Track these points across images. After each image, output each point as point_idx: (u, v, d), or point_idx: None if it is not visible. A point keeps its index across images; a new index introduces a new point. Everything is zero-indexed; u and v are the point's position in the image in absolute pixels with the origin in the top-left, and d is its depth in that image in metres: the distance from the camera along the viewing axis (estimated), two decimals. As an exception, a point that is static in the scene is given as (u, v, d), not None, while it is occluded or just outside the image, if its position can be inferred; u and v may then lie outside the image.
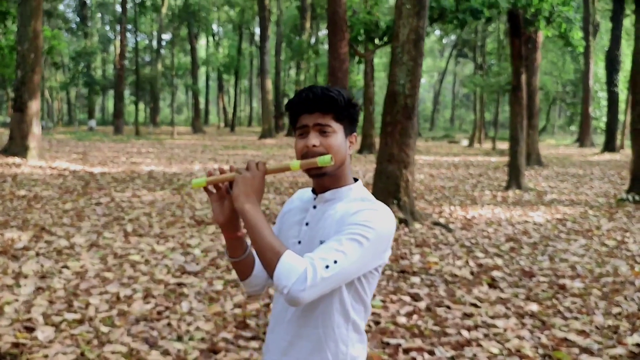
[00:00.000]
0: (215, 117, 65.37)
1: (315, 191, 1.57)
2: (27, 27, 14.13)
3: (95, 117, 43.82)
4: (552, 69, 35.81)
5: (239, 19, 43.05)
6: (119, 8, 40.55)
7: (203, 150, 22.12)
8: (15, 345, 3.49)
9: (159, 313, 4.14)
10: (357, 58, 15.09)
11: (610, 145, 25.72)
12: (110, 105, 61.68)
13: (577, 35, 12.01)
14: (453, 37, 47.07)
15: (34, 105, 14.39)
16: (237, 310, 4.22)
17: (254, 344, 3.66)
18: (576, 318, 4.26)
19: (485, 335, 3.88)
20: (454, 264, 5.78)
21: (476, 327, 4.04)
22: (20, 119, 14.19)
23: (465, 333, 3.89)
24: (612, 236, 7.35)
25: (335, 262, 1.33)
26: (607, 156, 23.77)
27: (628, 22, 31.18)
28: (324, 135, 1.47)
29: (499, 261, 5.93)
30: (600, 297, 4.78)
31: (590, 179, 14.65)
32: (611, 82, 26.40)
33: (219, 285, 4.80)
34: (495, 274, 5.42)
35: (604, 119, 33.76)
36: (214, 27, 49.93)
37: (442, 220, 8.06)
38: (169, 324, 3.92)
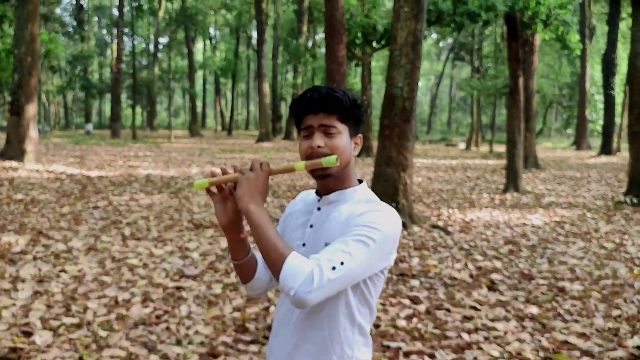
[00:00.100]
0: (212, 121, 65.34)
1: (319, 193, 1.56)
2: (24, 31, 14.10)
3: (92, 121, 43.76)
4: (549, 72, 35.93)
5: (236, 23, 43.10)
6: (115, 12, 40.51)
7: (200, 153, 22.08)
8: (13, 350, 3.46)
9: (158, 317, 4.11)
10: (354, 61, 15.10)
11: (607, 148, 25.79)
12: (107, 109, 61.56)
13: (574, 38, 12.05)
14: (450, 40, 47.19)
15: (31, 109, 14.35)
16: (236, 314, 4.20)
17: (254, 347, 3.64)
18: (576, 321, 4.25)
19: (486, 338, 3.87)
20: (453, 266, 5.77)
21: (476, 330, 4.03)
22: (17, 123, 14.15)
23: (465, 336, 3.88)
24: (611, 239, 7.35)
25: (342, 263, 1.31)
26: (604, 159, 23.83)
27: (624, 26, 31.31)
28: (329, 136, 1.46)
29: (498, 264, 5.92)
30: (600, 300, 4.78)
31: (588, 181, 14.67)
32: (608, 85, 26.49)
33: (217, 289, 4.77)
34: (495, 276, 5.41)
35: (601, 121, 33.86)
36: (211, 30, 50.02)
37: (440, 223, 8.06)
38: (167, 328, 3.90)
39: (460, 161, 21.38)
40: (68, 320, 3.94)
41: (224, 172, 1.46)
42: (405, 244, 6.68)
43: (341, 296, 1.44)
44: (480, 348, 3.70)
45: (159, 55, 44.34)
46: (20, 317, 4.00)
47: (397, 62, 7.49)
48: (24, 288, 4.60)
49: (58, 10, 44.77)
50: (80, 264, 5.40)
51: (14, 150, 14.10)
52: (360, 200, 1.50)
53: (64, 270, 5.19)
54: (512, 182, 11.77)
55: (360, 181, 1.57)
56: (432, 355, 3.57)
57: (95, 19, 53.17)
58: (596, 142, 35.29)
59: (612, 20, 25.91)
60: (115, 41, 36.35)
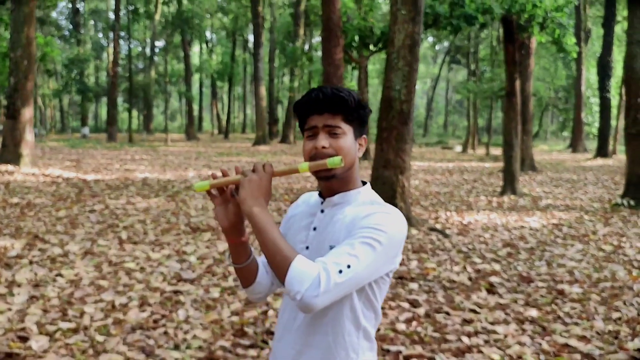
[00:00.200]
0: (208, 124, 65.27)
1: (323, 195, 1.53)
2: (20, 34, 14.06)
3: (89, 125, 43.66)
4: (545, 75, 36.01)
5: (232, 26, 43.11)
6: (112, 15, 40.52)
7: (197, 157, 22.04)
8: (9, 355, 3.42)
9: (155, 321, 4.08)
10: (351, 64, 15.10)
11: (603, 151, 25.85)
12: (103, 112, 61.47)
13: (570, 41, 12.07)
14: (446, 43, 47.32)
15: (27, 113, 14.30)
16: (235, 318, 4.17)
17: (252, 352, 3.61)
18: (576, 323, 4.23)
19: (486, 342, 3.85)
20: (452, 269, 5.75)
21: (476, 333, 4.01)
22: (13, 126, 14.09)
23: (465, 339, 3.85)
24: (609, 241, 7.35)
25: (349, 266, 1.29)
26: (600, 161, 23.89)
27: (619, 29, 31.45)
28: (334, 137, 1.43)
29: (497, 267, 5.90)
30: (600, 302, 4.76)
31: (584, 184, 14.69)
32: (603, 88, 26.57)
33: (215, 293, 4.74)
34: (494, 279, 5.39)
35: (596, 124, 33.98)
36: (208, 34, 49.99)
37: (438, 226, 8.04)
38: (165, 333, 3.86)
39: (457, 164, 21.39)
40: (64, 325, 3.91)
41: (225, 174, 1.43)
42: (404, 247, 6.64)
43: (346, 300, 1.41)
44: (480, 351, 3.68)
45: (156, 58, 44.32)
46: (16, 322, 3.96)
47: (395, 65, 7.48)
48: (19, 292, 4.56)
49: (54, 14, 44.73)
50: (77, 268, 5.36)
51: (10, 153, 14.04)
52: (364, 202, 1.47)
53: (60, 275, 5.15)
54: (509, 184, 11.78)
55: (364, 183, 1.54)
56: (432, 359, 3.54)
57: (92, 22, 53.15)
58: (592, 144, 35.41)
59: (608, 24, 26.00)
60: (112, 44, 36.32)
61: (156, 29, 40.35)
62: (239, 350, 3.62)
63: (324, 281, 1.25)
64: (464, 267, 5.83)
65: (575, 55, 13.07)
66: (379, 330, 3.97)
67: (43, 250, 6.02)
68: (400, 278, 5.34)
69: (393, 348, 3.66)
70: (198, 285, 4.96)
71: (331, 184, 1.47)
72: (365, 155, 20.67)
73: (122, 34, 37.80)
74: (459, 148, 32.15)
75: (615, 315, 4.42)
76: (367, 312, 1.46)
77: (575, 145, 31.48)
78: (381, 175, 7.57)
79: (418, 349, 3.67)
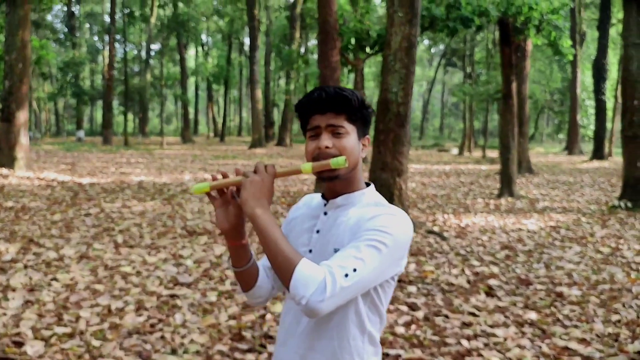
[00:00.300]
0: (204, 127, 65.13)
1: (326, 197, 1.50)
2: (15, 37, 14.00)
3: (84, 128, 43.47)
4: (540, 78, 36.12)
5: (228, 29, 43.06)
6: (107, 18, 40.37)
7: (193, 160, 21.98)
8: (4, 361, 3.38)
9: (152, 326, 4.04)
10: (347, 67, 15.10)
11: (598, 153, 25.91)
12: (98, 115, 61.28)
13: (566, 43, 12.10)
14: (442, 46, 47.42)
15: (22, 116, 14.23)
16: (232, 322, 4.13)
17: (250, 356, 3.57)
18: (576, 326, 4.21)
19: (486, 345, 3.82)
20: (450, 272, 5.73)
21: (476, 336, 3.98)
22: (8, 130, 14.02)
23: (465, 343, 3.83)
24: (607, 243, 7.34)
25: (355, 270, 1.25)
26: (596, 164, 23.93)
27: (614, 31, 31.56)
28: (337, 137, 1.40)
29: (495, 269, 5.89)
30: (599, 305, 4.74)
31: (581, 186, 14.70)
32: (599, 91, 26.64)
33: (212, 297, 4.70)
34: (492, 282, 5.37)
35: (592, 126, 34.08)
36: (203, 37, 49.95)
37: (436, 229, 8.02)
38: (162, 337, 3.82)
39: (454, 166, 21.40)
40: (60, 330, 3.86)
41: (225, 176, 1.40)
42: (401, 250, 6.62)
43: (351, 304, 1.38)
44: (480, 355, 3.65)
45: (151, 61, 44.22)
46: (11, 327, 3.91)
47: (392, 67, 7.46)
48: (14, 297, 4.51)
49: (49, 17, 44.57)
50: (72, 272, 5.32)
51: (5, 157, 13.96)
52: (369, 204, 1.44)
53: (55, 279, 5.10)
54: (506, 187, 11.77)
55: (367, 184, 1.51)
56: (432, 363, 3.51)
57: (87, 25, 53.03)
58: (587, 147, 35.50)
59: (603, 26, 26.09)
60: (107, 48, 36.22)
61: (152, 32, 40.26)
62: (237, 355, 3.58)
63: (329, 285, 1.22)
64: (462, 270, 5.81)
65: (571, 57, 13.10)
66: (378, 333, 3.93)
67: (38, 254, 5.97)
68: (399, 281, 5.31)
69: (392, 352, 3.63)
70: (195, 289, 4.92)
71: (334, 185, 1.44)
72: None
73: (118, 37, 37.73)
74: (455, 150, 32.19)
75: (614, 317, 4.41)
76: (372, 316, 1.43)
77: (571, 147, 31.56)
78: (378, 177, 7.54)
79: (417, 353, 3.64)
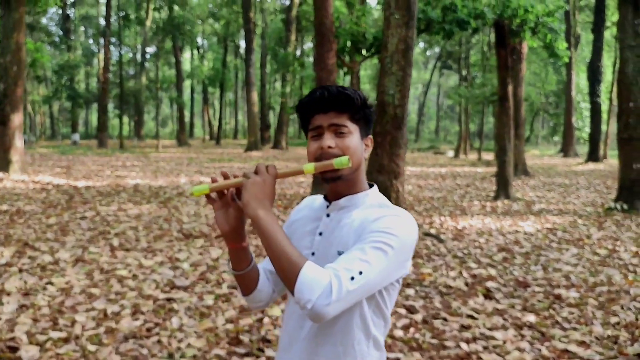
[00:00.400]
0: (200, 130, 65.11)
1: (328, 198, 1.47)
2: (10, 40, 13.95)
3: (79, 131, 43.34)
4: (535, 80, 36.25)
5: (223, 32, 43.06)
6: (102, 21, 40.38)
7: (189, 163, 21.93)
8: (-2, 366, 3.34)
9: (149, 330, 4.00)
10: (343, 69, 15.09)
11: (594, 155, 26.00)
12: (93, 118, 61.16)
13: (562, 45, 12.12)
14: (437, 49, 47.53)
15: (17, 119, 14.17)
16: (230, 326, 4.10)
17: (248, 360, 3.54)
18: (575, 328, 4.19)
19: (485, 348, 3.80)
20: (448, 275, 5.71)
21: (475, 339, 3.96)
22: (3, 133, 13.95)
23: (464, 346, 3.80)
24: (603, 245, 7.34)
25: (361, 273, 1.22)
26: (591, 166, 24.01)
27: (608, 34, 31.71)
28: (340, 136, 1.38)
29: (493, 271, 5.87)
30: (597, 307, 4.73)
31: (577, 188, 14.73)
32: (594, 93, 26.74)
33: (209, 300, 4.66)
34: (490, 284, 5.36)
35: (587, 129, 34.22)
36: (199, 39, 49.92)
37: (433, 231, 8.01)
38: (159, 341, 3.79)
39: (450, 169, 21.42)
40: (55, 335, 3.82)
41: (226, 177, 1.37)
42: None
43: (356, 308, 1.35)
44: (480, 358, 3.63)
45: (146, 64, 44.17)
46: (6, 331, 3.87)
47: (388, 69, 7.45)
48: (9, 301, 4.46)
49: (44, 20, 44.50)
50: (68, 276, 5.27)
51: (-1, 160, 13.90)
52: (372, 205, 1.41)
53: (50, 283, 5.05)
54: (502, 189, 11.77)
55: (371, 185, 1.48)
56: (431, 366, 3.49)
57: (82, 28, 52.93)
58: (582, 149, 35.60)
59: (597, 29, 26.20)
60: (102, 51, 36.17)
61: (147, 35, 40.25)
62: (235, 359, 3.55)
63: (335, 289, 1.19)
64: (460, 272, 5.79)
65: (566, 60, 13.12)
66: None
67: (33, 258, 5.92)
68: (396, 284, 5.29)
69: (391, 355, 3.60)
70: (192, 293, 4.89)
71: (337, 186, 1.42)
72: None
73: (113, 40, 37.62)
74: (451, 153, 32.23)
75: (613, 319, 4.39)
76: (377, 319, 1.40)
77: (566, 149, 31.65)
78: (375, 180, 7.51)
79: (417, 356, 3.62)
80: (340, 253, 1.34)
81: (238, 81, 51.62)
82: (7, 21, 13.91)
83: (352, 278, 1.21)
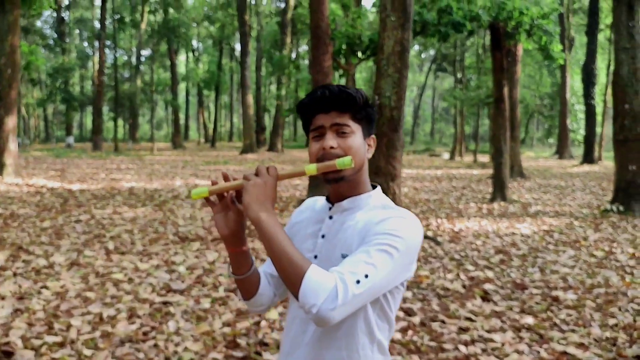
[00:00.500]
0: (195, 133, 64.98)
1: (331, 200, 1.44)
2: (4, 42, 13.89)
3: (73, 134, 43.19)
4: (530, 83, 36.37)
5: (219, 35, 43.03)
6: (97, 24, 40.25)
7: (184, 165, 21.87)
8: (-8, 371, 3.29)
9: (145, 334, 3.96)
10: (340, 71, 15.10)
11: (589, 157, 26.09)
12: (88, 121, 60.94)
13: (557, 48, 12.15)
14: (432, 51, 47.64)
15: (11, 122, 14.10)
16: (227, 329, 4.07)
17: (246, 364, 3.51)
18: (573, 330, 4.18)
19: (484, 350, 3.78)
20: (445, 277, 5.69)
21: (473, 341, 3.94)
22: (-4, 136, 13.88)
23: (462, 348, 3.79)
24: (600, 247, 7.34)
25: (366, 276, 1.20)
26: (586, 168, 24.09)
27: (602, 37, 31.85)
28: (342, 136, 1.35)
29: (490, 274, 5.86)
30: (595, 309, 4.72)
31: (572, 190, 14.76)
32: (588, 95, 26.84)
33: (206, 304, 4.63)
34: (488, 286, 5.34)
35: (581, 131, 34.34)
36: (194, 42, 49.87)
37: (429, 233, 7.99)
38: (155, 345, 3.75)
39: (445, 171, 21.43)
40: (50, 339, 3.78)
41: (226, 178, 1.34)
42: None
43: (360, 312, 1.32)
44: (478, 361, 3.61)
45: (142, 67, 44.06)
46: (0, 336, 3.83)
47: (385, 72, 7.44)
48: (3, 305, 4.42)
49: (39, 23, 44.33)
50: (63, 280, 5.23)
51: (-7, 163, 13.82)
52: (376, 207, 1.38)
53: (45, 287, 5.01)
54: (499, 191, 11.78)
55: (374, 186, 1.46)
56: (430, 369, 3.47)
57: (77, 31, 52.77)
58: (577, 151, 35.74)
59: (591, 31, 26.31)
60: (97, 53, 36.06)
61: (142, 38, 40.15)
62: (232, 363, 3.52)
63: (341, 293, 1.16)
64: (457, 275, 5.78)
65: (562, 62, 13.16)
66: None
67: (27, 262, 5.87)
68: (394, 286, 5.27)
69: (390, 358, 3.57)
70: (188, 296, 4.85)
71: (340, 187, 1.39)
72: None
73: (108, 42, 37.58)
74: (446, 155, 32.27)
75: (611, 321, 4.38)
76: (381, 323, 1.37)
77: (561, 151, 31.76)
78: (371, 182, 7.49)
79: (415, 359, 3.60)
80: (343, 256, 1.32)
81: (233, 84, 51.57)
82: (2, 24, 13.85)
83: (358, 281, 1.18)
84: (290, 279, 1.20)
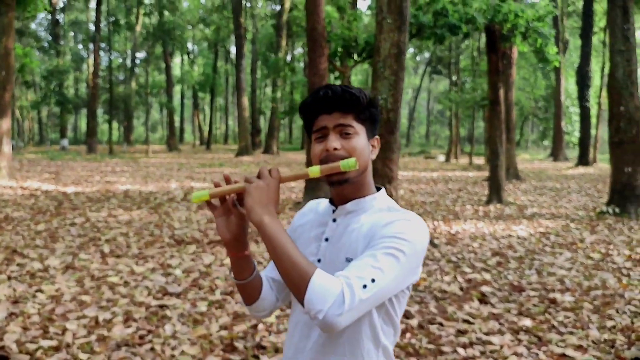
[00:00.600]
0: (190, 136, 64.86)
1: (334, 202, 1.41)
2: (-2, 44, 13.82)
3: (68, 137, 43.03)
4: (525, 85, 36.49)
5: (214, 37, 42.98)
6: (92, 27, 40.14)
7: (179, 168, 21.81)
8: (-13, 376, 3.26)
9: (141, 337, 3.93)
10: (336, 73, 15.09)
11: (583, 159, 26.18)
12: (82, 124, 60.75)
13: (552, 50, 12.19)
14: (427, 54, 47.75)
15: (4, 124, 14.02)
16: (224, 332, 4.04)
17: (243, 368, 3.48)
18: (571, 333, 4.17)
19: (482, 353, 3.77)
20: (442, 279, 5.68)
21: (471, 344, 3.93)
22: (-10, 138, 13.81)
23: (461, 351, 3.77)
24: (597, 249, 7.35)
25: (373, 280, 1.17)
26: (582, 170, 24.16)
27: (596, 40, 31.98)
28: (346, 137, 1.32)
29: (487, 276, 5.85)
30: (592, 311, 4.72)
31: (568, 192, 14.79)
32: (583, 98, 26.95)
33: (203, 307, 4.60)
34: (485, 289, 5.33)
35: (576, 133, 34.47)
36: (189, 45, 49.79)
37: (426, 236, 7.97)
38: (152, 349, 3.72)
39: (441, 173, 21.45)
40: (46, 343, 3.74)
41: (228, 180, 1.31)
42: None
43: (364, 317, 1.29)
44: (477, 363, 3.60)
45: (136, 70, 43.96)
46: (-6, 340, 3.79)
47: (381, 74, 7.43)
48: (-2, 309, 4.38)
49: (33, 25, 44.19)
50: (58, 283, 5.18)
51: (-13, 166, 13.74)
52: (381, 209, 1.36)
53: (40, 290, 4.97)
54: (495, 193, 11.79)
55: (378, 188, 1.43)
56: (428, 372, 3.45)
57: (71, 33, 52.61)
58: (572, 153, 35.85)
59: (585, 34, 26.43)
60: (92, 56, 35.95)
61: (137, 40, 40.10)
62: (229, 367, 3.49)
63: (348, 298, 1.13)
64: (455, 277, 5.77)
65: (557, 64, 13.20)
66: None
67: (22, 265, 5.83)
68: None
69: (388, 361, 3.56)
70: (184, 299, 4.82)
71: (344, 189, 1.36)
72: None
73: (103, 45, 37.44)
74: (441, 157, 32.31)
75: (609, 323, 4.38)
76: (386, 328, 1.35)
77: (556, 154, 31.85)
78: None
79: (414, 362, 3.58)
80: (348, 260, 1.29)
81: (228, 86, 51.53)
82: (-4, 26, 13.79)
83: (365, 286, 1.16)
84: (295, 284, 1.17)
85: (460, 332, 4.15)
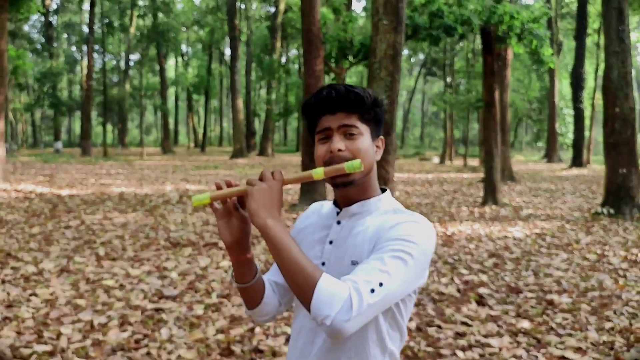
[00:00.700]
0: (184, 138, 64.73)
1: (338, 204, 1.38)
2: (-9, 46, 13.74)
3: (62, 139, 42.88)
4: (519, 87, 36.60)
5: (208, 39, 42.95)
6: (85, 28, 40.04)
7: (174, 170, 21.74)
8: (-20, 382, 3.21)
9: (137, 341, 3.89)
10: (331, 75, 15.09)
11: (577, 161, 26.27)
12: (76, 126, 60.52)
13: (547, 52, 12.22)
14: (421, 56, 47.83)
15: (-2, 127, 13.94)
16: (220, 336, 4.00)
17: (241, 372, 3.45)
18: (570, 334, 4.16)
19: (481, 356, 3.75)
20: (440, 281, 5.66)
21: (470, 346, 3.90)
22: (-16, 141, 13.72)
23: (460, 354, 3.75)
24: (592, 250, 7.35)
25: (381, 284, 1.14)
26: (576, 171, 24.24)
27: (590, 41, 32.13)
28: (350, 138, 1.29)
29: (484, 277, 5.83)
30: (590, 312, 4.71)
31: (563, 193, 14.82)
32: (577, 99, 27.04)
33: (199, 310, 4.56)
34: (482, 290, 5.32)
35: (570, 135, 34.58)
36: (183, 47, 49.74)
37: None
38: (148, 353, 3.68)
39: (436, 175, 21.47)
40: (40, 348, 3.69)
41: (229, 185, 1.28)
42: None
43: (371, 321, 1.26)
44: (476, 366, 3.57)
45: (130, 72, 43.86)
46: (-12, 345, 3.74)
47: (377, 75, 7.42)
48: (-9, 314, 4.33)
49: (26, 27, 44.00)
50: (52, 287, 5.13)
51: (-20, 169, 13.65)
52: (387, 211, 1.33)
53: (34, 294, 4.92)
54: (490, 194, 11.79)
55: (383, 189, 1.40)
56: (428, 375, 3.43)
57: (65, 35, 52.43)
58: (566, 154, 35.98)
59: (580, 36, 26.54)
60: (85, 58, 35.84)
61: (131, 42, 40.01)
62: (227, 371, 3.46)
63: (356, 303, 1.10)
64: (452, 279, 5.75)
65: (552, 65, 13.24)
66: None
67: (16, 269, 5.77)
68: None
69: (387, 364, 3.53)
70: (180, 303, 4.78)
71: (347, 191, 1.33)
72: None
73: (96, 47, 37.31)
74: (436, 159, 32.36)
75: (607, 325, 4.37)
76: (393, 333, 1.32)
77: (550, 155, 31.96)
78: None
79: (413, 365, 3.56)
80: (354, 263, 1.26)
81: (223, 88, 51.48)
82: (-11, 28, 13.70)
83: (372, 290, 1.13)
84: (301, 288, 1.14)
85: (459, 335, 4.13)
